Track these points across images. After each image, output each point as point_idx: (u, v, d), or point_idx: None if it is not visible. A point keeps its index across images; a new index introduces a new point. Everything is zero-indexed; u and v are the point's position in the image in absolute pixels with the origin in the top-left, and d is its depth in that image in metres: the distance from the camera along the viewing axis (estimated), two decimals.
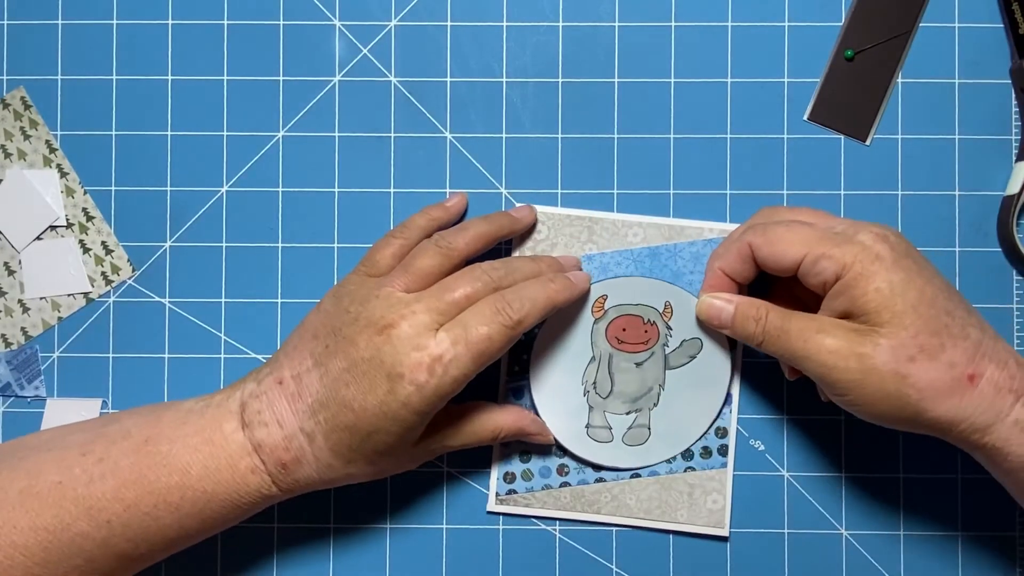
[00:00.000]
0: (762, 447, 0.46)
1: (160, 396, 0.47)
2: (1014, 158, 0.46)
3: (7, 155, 0.47)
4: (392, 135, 0.47)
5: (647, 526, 0.46)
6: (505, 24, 0.47)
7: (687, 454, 0.46)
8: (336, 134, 0.47)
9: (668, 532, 0.46)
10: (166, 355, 0.47)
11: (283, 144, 0.47)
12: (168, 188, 0.47)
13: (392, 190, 0.47)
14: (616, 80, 0.47)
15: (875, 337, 0.37)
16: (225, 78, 0.47)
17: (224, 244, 0.47)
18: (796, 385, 0.45)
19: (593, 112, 0.47)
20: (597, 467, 0.46)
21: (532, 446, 0.46)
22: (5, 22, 0.47)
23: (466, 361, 0.38)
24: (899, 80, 0.47)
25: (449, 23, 0.47)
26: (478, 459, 0.46)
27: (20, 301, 0.47)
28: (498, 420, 0.43)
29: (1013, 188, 0.45)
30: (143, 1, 0.47)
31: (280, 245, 0.47)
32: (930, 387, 0.37)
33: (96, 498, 0.38)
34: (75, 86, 0.47)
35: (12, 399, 0.47)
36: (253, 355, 0.47)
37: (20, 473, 0.38)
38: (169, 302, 0.47)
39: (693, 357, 0.46)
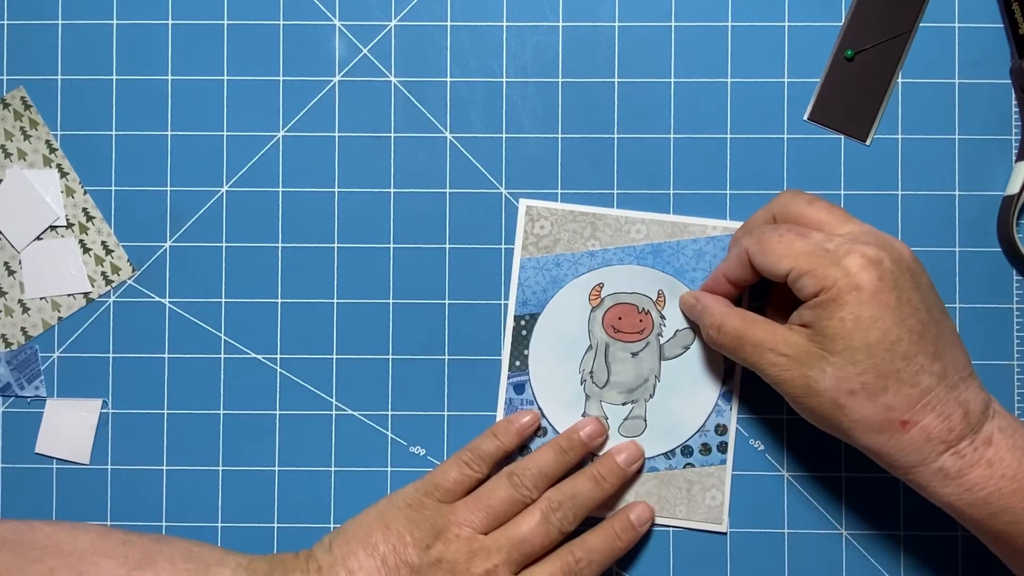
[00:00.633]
0: (762, 447, 0.46)
1: (160, 396, 0.47)
2: (1014, 158, 0.46)
3: (7, 155, 0.47)
4: (392, 135, 0.47)
5: None
6: (505, 24, 0.47)
7: (686, 451, 0.46)
8: (336, 134, 0.47)
9: (666, 527, 0.46)
10: (166, 355, 0.47)
11: (283, 144, 0.47)
12: (168, 188, 0.47)
13: (392, 190, 0.47)
14: (616, 80, 0.47)
15: (823, 364, 0.38)
16: (225, 78, 0.47)
17: (224, 244, 0.47)
18: None
19: (593, 112, 0.47)
20: (593, 457, 0.46)
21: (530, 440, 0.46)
22: (5, 22, 0.47)
23: None
24: (899, 80, 0.47)
25: (449, 23, 0.47)
26: None
27: (20, 301, 0.47)
28: None
29: (1013, 188, 0.46)
30: (143, 1, 0.47)
31: (280, 245, 0.47)
32: (862, 421, 0.38)
33: None
34: (75, 86, 0.47)
35: (12, 399, 0.47)
36: (253, 355, 0.47)
37: None
38: (169, 302, 0.47)
39: (687, 348, 0.46)
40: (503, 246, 0.47)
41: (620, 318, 0.46)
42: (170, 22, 0.47)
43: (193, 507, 0.47)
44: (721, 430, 0.46)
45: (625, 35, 0.47)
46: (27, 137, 0.47)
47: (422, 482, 0.44)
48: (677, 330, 0.46)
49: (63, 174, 0.47)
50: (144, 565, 0.40)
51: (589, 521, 0.45)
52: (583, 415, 0.46)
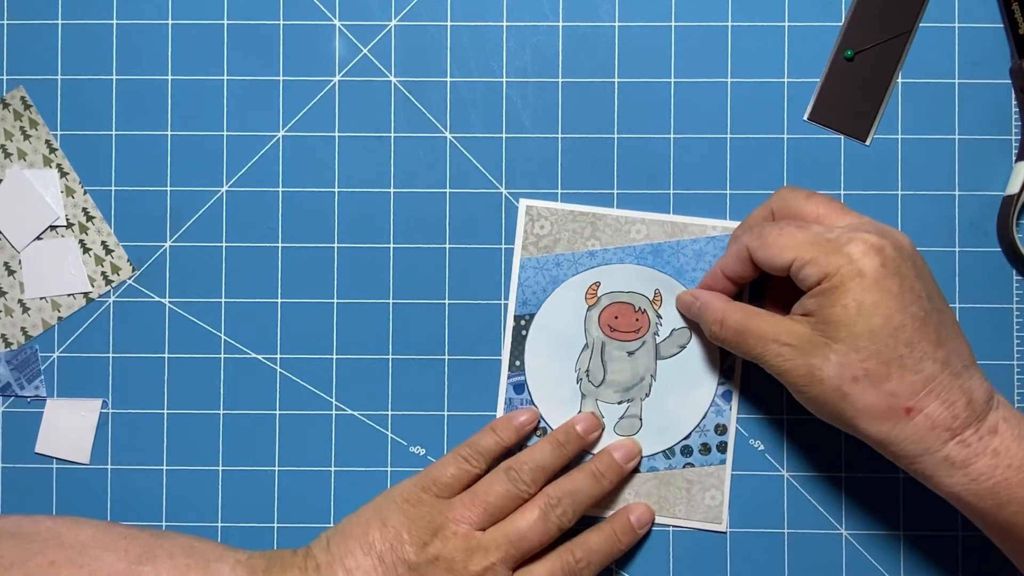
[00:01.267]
0: (762, 447, 0.46)
1: (160, 396, 0.47)
2: (1014, 158, 0.46)
3: (7, 155, 0.47)
4: (392, 135, 0.47)
5: None
6: (505, 24, 0.47)
7: (686, 450, 0.46)
8: (336, 134, 0.47)
9: (666, 527, 0.46)
10: (166, 355, 0.47)
11: (283, 144, 0.47)
12: (168, 188, 0.47)
13: (392, 190, 0.47)
14: (616, 80, 0.47)
15: (826, 351, 0.38)
16: (225, 78, 0.47)
17: (224, 244, 0.47)
18: None
19: (593, 112, 0.47)
20: (587, 456, 0.46)
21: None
22: (5, 22, 0.47)
23: None
24: (899, 80, 0.47)
25: (449, 23, 0.47)
26: None
27: (20, 301, 0.47)
28: None
29: (1013, 188, 0.46)
30: (143, 1, 0.47)
31: (280, 245, 0.47)
32: (866, 409, 0.38)
33: None
34: (75, 86, 0.47)
35: (12, 399, 0.47)
36: (253, 355, 0.47)
37: None
38: (169, 302, 0.47)
39: (683, 347, 0.46)
40: (503, 246, 0.47)
41: (616, 317, 0.46)
42: (170, 22, 0.47)
43: (193, 507, 0.47)
44: (721, 430, 0.46)
45: (625, 35, 0.47)
46: (27, 137, 0.47)
47: (420, 477, 0.44)
48: (673, 329, 0.46)
49: (63, 174, 0.47)
50: (145, 559, 0.40)
51: (584, 520, 0.45)
52: (579, 414, 0.46)
